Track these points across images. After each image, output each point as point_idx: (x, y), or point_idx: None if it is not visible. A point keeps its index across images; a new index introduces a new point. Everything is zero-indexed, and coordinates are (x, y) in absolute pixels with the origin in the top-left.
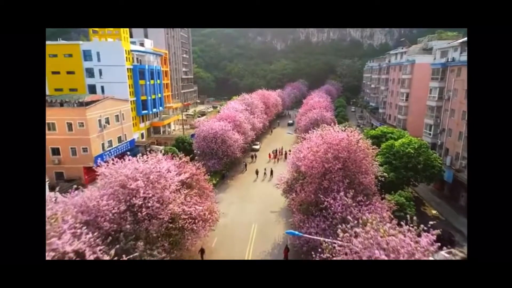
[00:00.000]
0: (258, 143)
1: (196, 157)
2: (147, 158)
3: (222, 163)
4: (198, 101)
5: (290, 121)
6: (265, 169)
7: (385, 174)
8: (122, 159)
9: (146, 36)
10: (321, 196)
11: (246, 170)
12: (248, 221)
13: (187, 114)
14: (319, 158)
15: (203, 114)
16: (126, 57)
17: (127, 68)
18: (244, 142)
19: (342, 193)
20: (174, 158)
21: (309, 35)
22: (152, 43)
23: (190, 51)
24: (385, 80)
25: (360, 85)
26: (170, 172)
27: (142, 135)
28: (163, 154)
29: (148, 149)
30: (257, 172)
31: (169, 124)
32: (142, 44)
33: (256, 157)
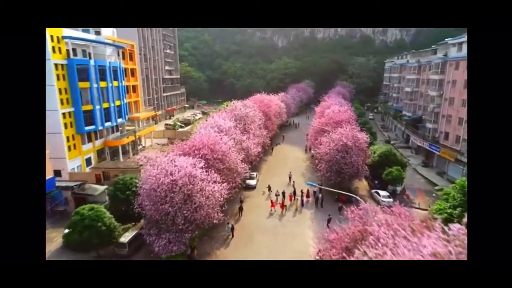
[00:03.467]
0: (254, 175)
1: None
2: None
3: (184, 239)
4: (187, 105)
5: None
6: None
7: None
8: None
9: None
10: None
11: (232, 236)
12: None
13: (167, 124)
14: None
15: (187, 123)
16: (54, 47)
17: (56, 64)
18: (231, 188)
19: None
20: None
21: (314, 30)
22: (114, 32)
23: (176, 46)
24: (437, 82)
25: (377, 87)
26: None
27: (88, 161)
28: None
29: (79, 191)
30: None
31: (138, 141)
32: (98, 33)
33: (242, 210)
